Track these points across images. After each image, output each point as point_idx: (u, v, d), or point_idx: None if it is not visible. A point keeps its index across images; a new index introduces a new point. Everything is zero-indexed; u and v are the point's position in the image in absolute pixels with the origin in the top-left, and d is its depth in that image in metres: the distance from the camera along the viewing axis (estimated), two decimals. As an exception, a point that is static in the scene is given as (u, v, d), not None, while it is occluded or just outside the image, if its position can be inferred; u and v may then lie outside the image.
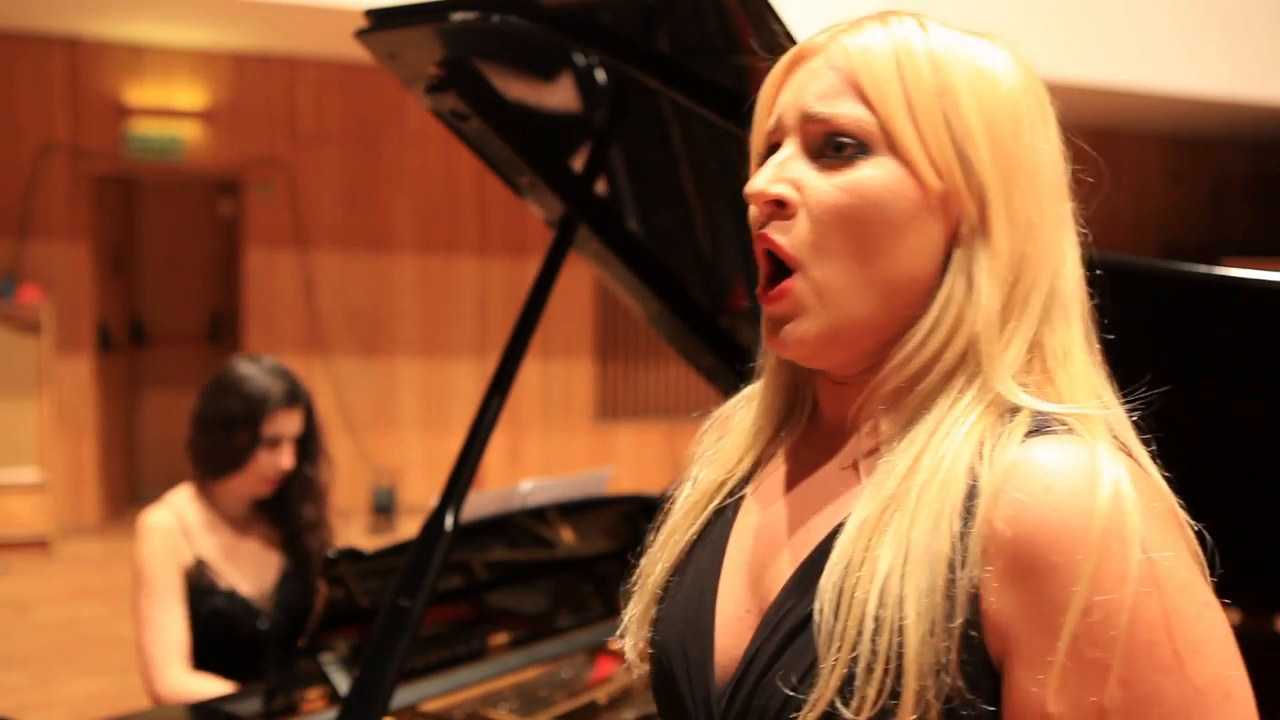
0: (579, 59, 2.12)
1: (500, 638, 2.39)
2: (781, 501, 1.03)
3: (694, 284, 2.46)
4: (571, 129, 2.27)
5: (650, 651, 1.09)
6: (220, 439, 2.73)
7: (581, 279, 9.04)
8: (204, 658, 2.68)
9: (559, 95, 2.23)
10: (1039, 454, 0.86)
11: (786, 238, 0.95)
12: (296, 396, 2.79)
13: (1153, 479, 0.89)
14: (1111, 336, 1.01)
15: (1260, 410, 1.72)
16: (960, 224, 0.93)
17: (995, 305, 0.92)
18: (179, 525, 2.74)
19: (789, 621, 0.92)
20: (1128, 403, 0.97)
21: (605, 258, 2.30)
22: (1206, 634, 0.82)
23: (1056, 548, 0.82)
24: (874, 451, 0.95)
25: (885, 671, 0.83)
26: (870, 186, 0.92)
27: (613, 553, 2.71)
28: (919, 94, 0.93)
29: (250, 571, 2.80)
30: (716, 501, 1.10)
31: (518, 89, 2.18)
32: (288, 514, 2.84)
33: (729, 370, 2.39)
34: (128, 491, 9.09)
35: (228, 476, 2.75)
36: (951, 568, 0.84)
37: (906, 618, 0.83)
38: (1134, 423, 0.95)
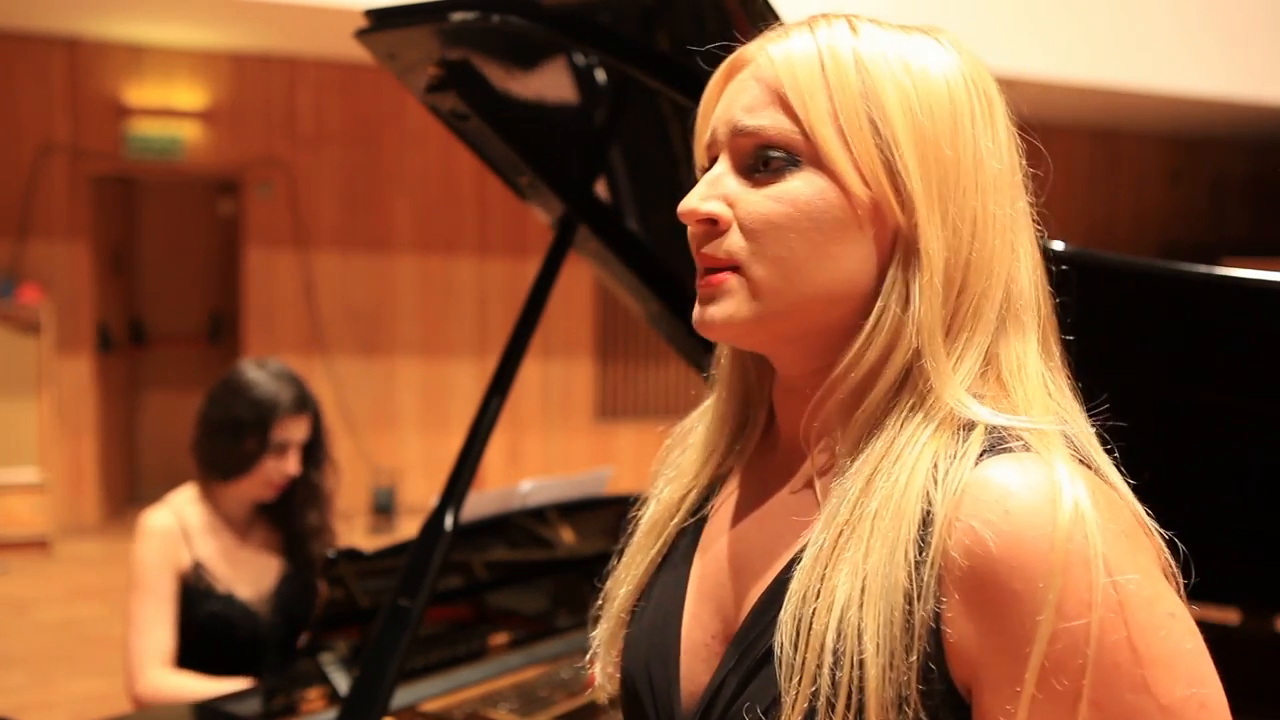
0: (579, 59, 2.12)
1: (500, 638, 2.39)
2: (743, 522, 1.02)
3: (693, 284, 2.46)
4: (571, 129, 2.27)
5: (619, 676, 1.09)
6: (227, 443, 2.72)
7: (581, 279, 9.04)
8: (201, 661, 2.68)
9: (559, 95, 2.23)
10: (993, 475, 0.83)
11: (722, 249, 0.94)
12: (304, 403, 2.79)
13: (1114, 492, 0.86)
14: (1092, 335, 0.99)
15: (1260, 410, 1.72)
16: (895, 233, 0.91)
17: (933, 318, 0.89)
18: (179, 527, 2.74)
19: (754, 652, 0.91)
20: (1094, 410, 0.95)
21: (605, 258, 2.30)
22: (1175, 648, 0.79)
23: (1018, 574, 0.79)
24: (828, 471, 0.94)
25: (847, 705, 0.81)
26: (801, 196, 0.91)
27: (613, 552, 2.71)
28: (843, 100, 0.90)
29: (250, 575, 2.79)
30: (678, 518, 1.10)
31: (518, 89, 2.18)
32: (291, 520, 2.84)
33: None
34: (127, 492, 9.09)
35: (233, 480, 2.75)
36: (909, 599, 0.82)
37: (865, 651, 0.81)
38: (1100, 430, 0.93)
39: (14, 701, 5.25)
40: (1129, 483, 0.90)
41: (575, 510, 2.60)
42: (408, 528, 8.22)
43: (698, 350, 2.41)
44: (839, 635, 0.83)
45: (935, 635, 0.81)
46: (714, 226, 0.95)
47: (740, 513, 1.03)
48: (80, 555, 7.76)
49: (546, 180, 2.13)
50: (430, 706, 2.15)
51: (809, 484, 0.95)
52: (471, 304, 9.31)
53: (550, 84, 2.20)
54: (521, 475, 8.44)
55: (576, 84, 2.17)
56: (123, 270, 9.07)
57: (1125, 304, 1.64)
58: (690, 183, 2.35)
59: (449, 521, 1.82)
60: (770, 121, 0.92)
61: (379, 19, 1.89)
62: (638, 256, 2.30)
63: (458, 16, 1.79)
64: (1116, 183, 11.43)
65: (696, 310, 0.97)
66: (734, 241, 0.93)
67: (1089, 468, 0.86)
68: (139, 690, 2.61)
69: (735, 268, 0.94)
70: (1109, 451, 0.91)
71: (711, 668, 0.97)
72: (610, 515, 2.72)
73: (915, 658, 0.81)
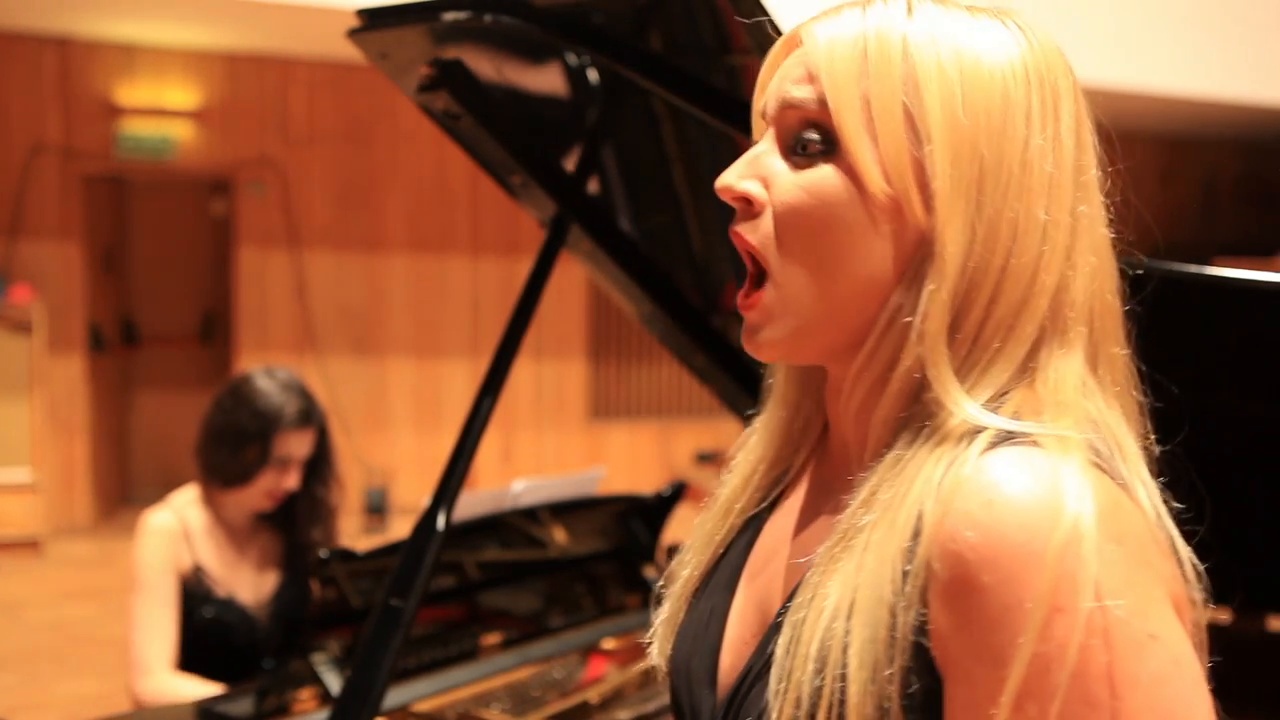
0: (571, 58, 2.12)
1: (492, 638, 2.39)
2: (794, 521, 1.02)
3: (686, 284, 2.46)
4: (564, 128, 2.27)
5: (668, 666, 1.09)
6: (229, 452, 2.71)
7: (574, 279, 9.05)
8: (198, 665, 2.68)
9: (551, 95, 2.23)
10: (986, 466, 0.79)
11: (755, 236, 0.92)
12: (310, 417, 2.76)
13: (1132, 506, 0.81)
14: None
15: (1255, 411, 1.73)
16: (919, 234, 0.86)
17: (939, 326, 0.85)
18: (180, 529, 2.73)
19: (767, 657, 0.90)
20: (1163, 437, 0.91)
21: (598, 258, 2.30)
22: (1155, 680, 0.75)
23: (988, 568, 0.75)
24: (854, 482, 0.91)
25: (829, 715, 0.80)
26: (827, 187, 0.88)
27: (605, 553, 2.71)
28: (879, 89, 0.86)
29: (249, 580, 2.79)
30: (743, 504, 1.08)
31: (510, 88, 2.18)
32: (294, 532, 2.83)
33: (721, 370, 2.39)
34: (119, 492, 9.07)
35: (232, 489, 2.74)
36: (893, 613, 0.79)
37: (849, 664, 0.79)
38: (1152, 455, 0.89)
39: (5, 702, 5.24)
40: (1169, 504, 0.85)
41: (567, 510, 2.60)
42: (400, 528, 8.21)
43: (690, 350, 2.42)
44: (824, 645, 0.81)
45: (918, 649, 0.79)
46: (748, 206, 0.92)
47: (794, 512, 1.03)
48: (72, 556, 7.75)
49: (539, 180, 2.13)
50: (422, 707, 2.15)
51: (849, 486, 0.91)
52: (464, 304, 9.30)
53: (542, 84, 2.21)
54: (514, 475, 8.42)
55: (569, 84, 2.17)
56: (114, 270, 9.05)
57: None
58: (682, 183, 2.35)
59: (441, 521, 1.82)
60: (806, 105, 0.89)
61: (371, 18, 1.89)
62: (630, 256, 2.30)
63: (450, 16, 1.79)
64: (1107, 183, 11.40)
65: (744, 336, 0.94)
66: (765, 232, 0.91)
67: (1115, 481, 0.82)
68: (141, 691, 2.61)
69: (764, 275, 0.91)
70: (1156, 476, 0.87)
71: (744, 664, 0.97)
72: (602, 515, 2.72)
73: (896, 671, 0.78)
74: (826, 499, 0.98)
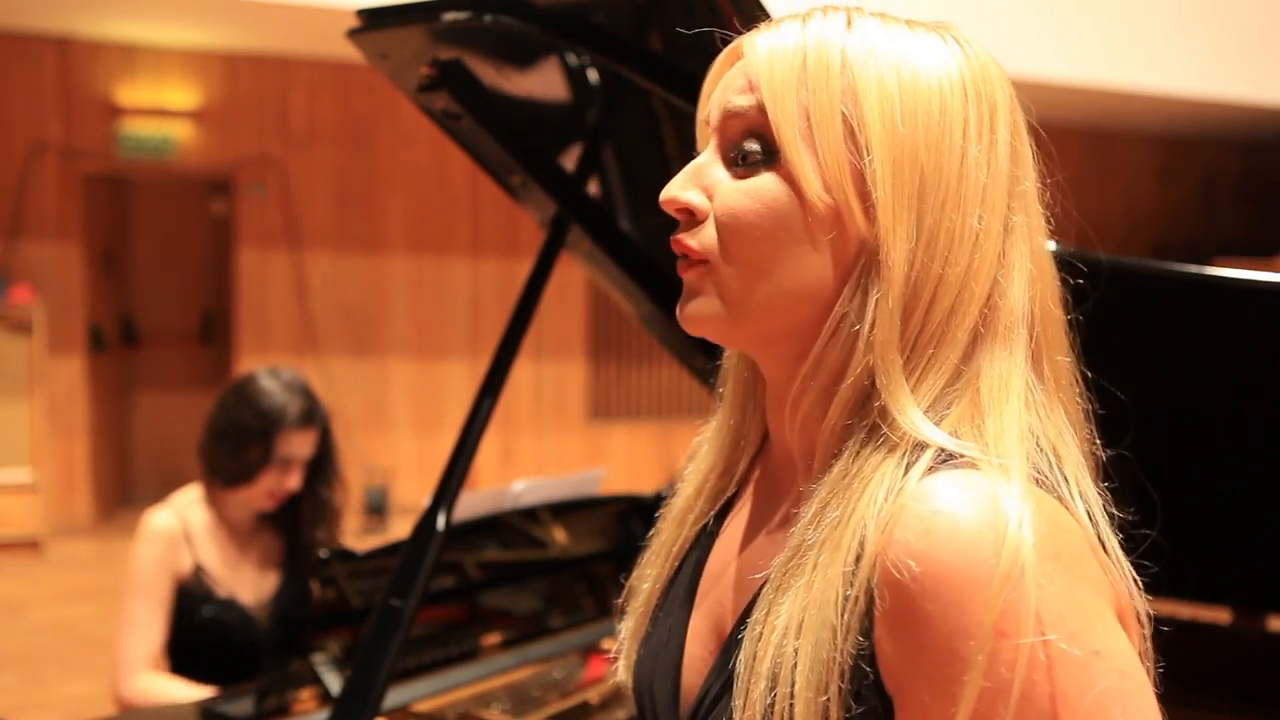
0: (571, 59, 2.12)
1: (492, 638, 2.39)
2: (743, 535, 1.02)
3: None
4: (564, 129, 2.27)
5: (632, 680, 1.10)
6: (231, 451, 2.71)
7: (574, 279, 9.05)
8: (198, 665, 2.67)
9: (551, 95, 2.23)
10: (925, 492, 0.80)
11: (696, 240, 0.93)
12: (313, 417, 2.76)
13: (1071, 522, 0.82)
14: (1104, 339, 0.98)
15: (1252, 411, 1.73)
16: (860, 242, 0.88)
17: (888, 336, 0.86)
18: (181, 529, 2.73)
19: (725, 673, 0.91)
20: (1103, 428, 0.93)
21: (597, 258, 2.30)
22: (1099, 702, 0.75)
23: (930, 596, 0.76)
24: (803, 494, 0.92)
25: None
26: (767, 194, 0.89)
27: (605, 553, 2.71)
28: (818, 100, 0.87)
29: (250, 580, 2.79)
30: (695, 515, 1.10)
31: (510, 89, 2.18)
32: (297, 533, 2.82)
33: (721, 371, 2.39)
34: (120, 492, 9.08)
35: (234, 489, 2.74)
36: (835, 634, 0.80)
37: (797, 682, 0.80)
38: (1094, 451, 0.90)
39: (6, 703, 5.24)
40: (1110, 511, 0.86)
41: (567, 510, 2.60)
42: (400, 528, 8.21)
43: (690, 351, 2.42)
44: (775, 663, 0.82)
45: (859, 671, 0.79)
46: (691, 216, 0.93)
47: (741, 526, 1.03)
48: (72, 556, 7.75)
49: (539, 180, 2.13)
50: (422, 707, 2.15)
51: (797, 498, 0.93)
52: (464, 304, 9.30)
53: (542, 84, 2.20)
54: (514, 476, 8.43)
55: (569, 84, 2.17)
56: (115, 270, 9.05)
57: (1120, 305, 1.65)
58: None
59: (441, 522, 1.82)
60: (748, 114, 0.91)
61: (371, 19, 1.89)
62: (630, 257, 2.30)
63: (449, 16, 1.79)
64: (1107, 183, 11.46)
65: (678, 308, 0.96)
66: (708, 235, 0.92)
67: (1049, 491, 0.83)
68: (124, 692, 2.61)
69: (705, 262, 0.92)
70: (1102, 478, 0.88)
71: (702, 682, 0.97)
72: (602, 515, 2.72)
73: (845, 688, 0.79)
74: (772, 510, 1.00)
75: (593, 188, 2.31)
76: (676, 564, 1.10)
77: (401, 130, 8.91)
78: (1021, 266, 0.90)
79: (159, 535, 2.70)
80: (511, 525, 2.48)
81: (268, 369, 2.83)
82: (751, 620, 0.87)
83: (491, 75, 2.09)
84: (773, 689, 0.82)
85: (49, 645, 6.07)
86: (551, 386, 9.64)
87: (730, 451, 1.08)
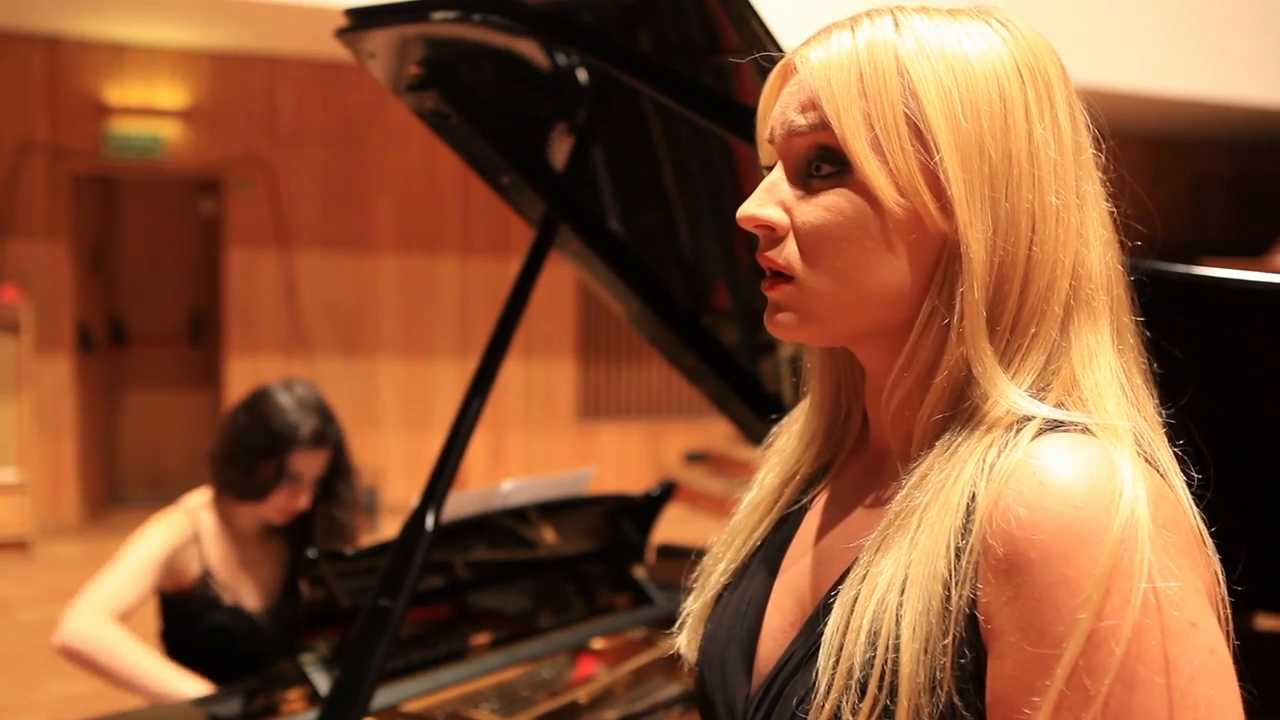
0: (560, 58, 2.12)
1: (481, 638, 2.39)
2: (833, 516, 1.04)
3: (676, 284, 2.46)
4: (553, 128, 2.27)
5: (697, 661, 1.11)
6: (241, 468, 2.68)
7: (564, 279, 9.04)
8: (202, 671, 2.65)
9: (540, 94, 2.23)
10: (1039, 450, 0.82)
11: (782, 256, 0.94)
12: (324, 437, 2.74)
13: (1177, 503, 0.84)
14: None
15: (1250, 412, 1.73)
16: (942, 239, 0.90)
17: (975, 326, 0.88)
18: (193, 532, 2.71)
19: (813, 640, 0.92)
20: (1165, 411, 0.94)
21: (587, 258, 2.29)
22: (1197, 664, 0.77)
23: (1036, 546, 0.78)
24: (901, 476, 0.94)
25: (879, 687, 0.82)
26: (845, 207, 0.90)
27: (594, 553, 2.71)
28: (880, 108, 0.89)
29: (255, 588, 2.77)
30: (781, 503, 1.11)
31: (499, 88, 2.18)
32: (305, 550, 2.80)
33: (710, 370, 2.39)
34: (107, 492, 9.05)
35: (244, 504, 2.73)
36: (947, 586, 0.82)
37: (902, 635, 0.82)
38: (1168, 434, 0.91)
39: (-7, 703, 5.23)
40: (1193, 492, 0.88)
41: (557, 510, 2.60)
42: (390, 528, 8.18)
43: (679, 350, 2.42)
44: (875, 618, 0.84)
45: (971, 620, 0.81)
46: (771, 232, 0.95)
47: (832, 506, 1.05)
48: (60, 556, 7.73)
49: (528, 180, 2.13)
50: (411, 707, 2.14)
51: (892, 481, 0.95)
52: (453, 304, 9.30)
53: (532, 83, 2.20)
54: (504, 475, 8.43)
55: (558, 83, 2.17)
56: (103, 270, 9.03)
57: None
58: (672, 183, 2.35)
59: (430, 521, 1.82)
60: (813, 132, 0.92)
61: (359, 18, 1.89)
62: (619, 256, 2.30)
63: (438, 16, 1.79)
64: (1103, 158, 11.42)
65: (766, 318, 0.97)
66: (791, 250, 0.93)
67: (1157, 471, 0.85)
68: (69, 626, 2.46)
69: (791, 277, 0.94)
70: (1178, 455, 0.90)
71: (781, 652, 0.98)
72: (591, 515, 2.72)
73: (950, 642, 0.81)
74: (865, 493, 1.01)
75: (582, 187, 2.31)
76: (757, 545, 1.11)
77: (391, 130, 8.90)
78: (1096, 233, 0.93)
79: (173, 530, 2.68)
80: (500, 525, 2.47)
81: (283, 382, 2.80)
82: (845, 585, 0.89)
83: (480, 75, 2.09)
84: (873, 644, 0.83)
85: (37, 646, 6.03)
86: (541, 386, 9.64)
87: (824, 439, 1.10)
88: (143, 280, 9.48)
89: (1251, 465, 1.70)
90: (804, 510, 1.09)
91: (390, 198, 9.08)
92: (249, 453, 2.68)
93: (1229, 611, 0.85)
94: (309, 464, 2.71)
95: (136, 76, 8.39)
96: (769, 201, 0.95)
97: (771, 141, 0.97)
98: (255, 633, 2.71)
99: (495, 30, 1.82)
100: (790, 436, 1.13)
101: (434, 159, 8.87)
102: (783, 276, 0.95)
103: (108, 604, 2.54)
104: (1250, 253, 10.02)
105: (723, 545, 1.14)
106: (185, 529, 2.70)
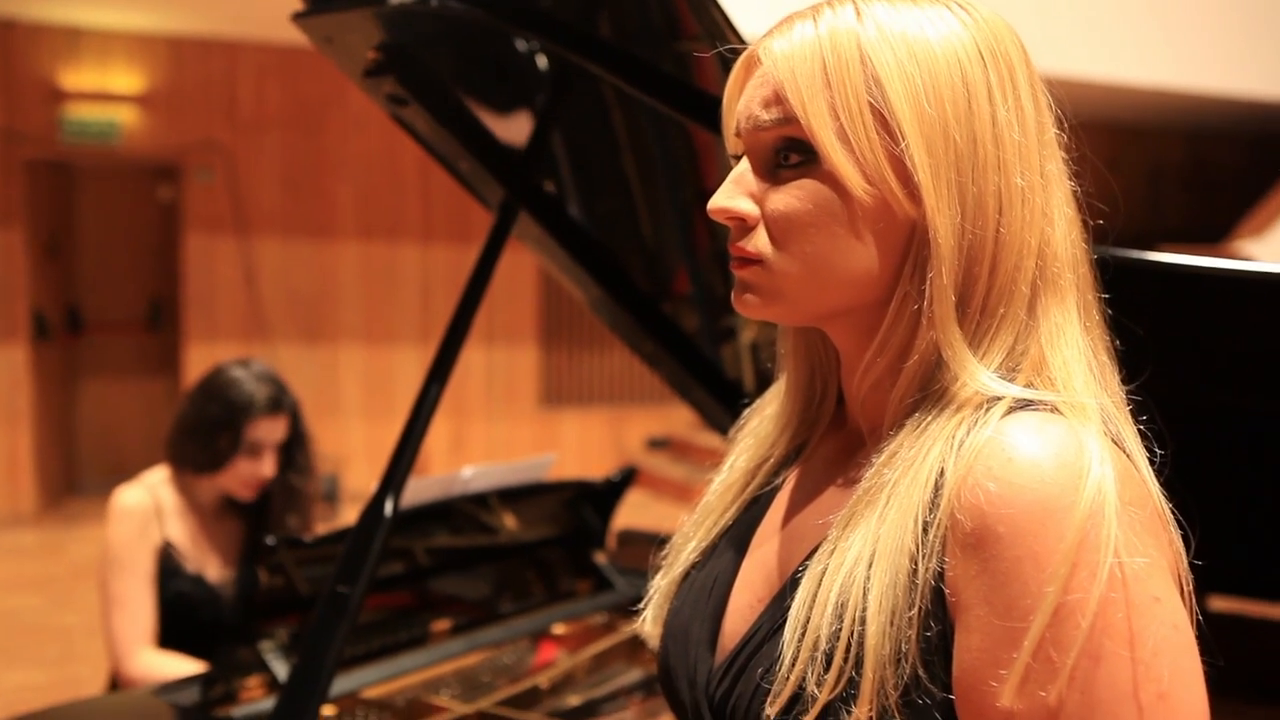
0: (520, 44, 2.12)
1: (442, 624, 2.39)
2: (805, 496, 1.05)
3: (636, 270, 2.46)
4: (512, 114, 2.26)
5: (660, 638, 1.11)
6: (201, 442, 2.72)
7: (525, 265, 9.03)
8: (163, 639, 2.68)
9: (499, 80, 2.22)
10: (1007, 428, 0.84)
11: (753, 244, 0.95)
12: (280, 404, 2.78)
13: (1139, 478, 0.86)
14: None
15: (1233, 401, 1.74)
16: (910, 224, 0.91)
17: (944, 310, 0.89)
18: (153, 505, 2.73)
19: (780, 614, 0.93)
20: (1128, 391, 0.95)
21: (546, 244, 2.29)
22: (1160, 638, 0.79)
23: (1005, 521, 0.80)
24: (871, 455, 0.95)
25: (845, 659, 0.84)
26: (816, 197, 0.91)
27: (555, 538, 2.71)
28: (844, 97, 0.89)
29: (218, 558, 2.80)
30: (753, 486, 1.12)
31: (457, 73, 2.17)
32: (265, 520, 2.82)
33: (670, 356, 2.40)
34: (65, 481, 8.96)
35: (205, 475, 2.74)
36: (913, 560, 0.83)
37: (869, 608, 0.83)
38: (1131, 413, 0.93)
39: (-51, 694, 5.18)
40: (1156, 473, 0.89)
41: (518, 496, 2.60)
42: (350, 515, 8.16)
43: (640, 337, 2.42)
44: (844, 591, 0.85)
45: (937, 594, 0.83)
46: (743, 223, 0.96)
47: (804, 486, 1.06)
48: (17, 545, 7.65)
49: (486, 166, 2.12)
50: (371, 693, 2.14)
51: (864, 461, 0.96)
52: (415, 290, 9.26)
53: (490, 69, 2.20)
54: (466, 462, 8.42)
55: (517, 69, 2.16)
56: (59, 256, 8.93)
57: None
58: (632, 169, 2.35)
59: (389, 508, 1.82)
60: (781, 122, 0.92)
61: (316, 2, 1.88)
62: (579, 242, 2.30)
63: (396, 0, 1.78)
64: (1064, 137, 11.51)
65: (734, 297, 0.98)
66: (761, 238, 0.94)
67: (1122, 450, 0.86)
68: (129, 670, 2.60)
69: (759, 261, 0.95)
70: (1140, 434, 0.91)
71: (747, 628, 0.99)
72: (552, 501, 2.72)
73: (915, 614, 0.82)
74: (838, 473, 1.02)
75: (541, 173, 2.30)
76: (727, 526, 1.12)
77: (351, 116, 8.85)
78: (1061, 212, 0.94)
79: (133, 511, 2.71)
80: (461, 511, 2.47)
81: (236, 360, 2.86)
82: (814, 560, 0.90)
83: (438, 60, 2.08)
84: (839, 617, 0.85)
85: (-7, 635, 6.00)
86: (503, 372, 9.63)
87: (799, 422, 1.11)
88: (100, 267, 9.39)
89: (1207, 448, 1.72)
90: (775, 491, 1.10)
91: (351, 184, 9.03)
92: (208, 425, 2.71)
93: (1192, 588, 0.86)
94: (269, 430, 2.74)
95: (92, 61, 8.30)
96: (738, 193, 0.96)
97: (738, 134, 0.98)
98: (215, 603, 2.74)
99: (453, 15, 1.81)
100: (764, 420, 1.14)
101: (395, 145, 8.82)
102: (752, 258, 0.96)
103: (143, 631, 2.64)
104: (1207, 241, 10.12)
105: (693, 525, 1.15)
106: (145, 505, 2.72)
